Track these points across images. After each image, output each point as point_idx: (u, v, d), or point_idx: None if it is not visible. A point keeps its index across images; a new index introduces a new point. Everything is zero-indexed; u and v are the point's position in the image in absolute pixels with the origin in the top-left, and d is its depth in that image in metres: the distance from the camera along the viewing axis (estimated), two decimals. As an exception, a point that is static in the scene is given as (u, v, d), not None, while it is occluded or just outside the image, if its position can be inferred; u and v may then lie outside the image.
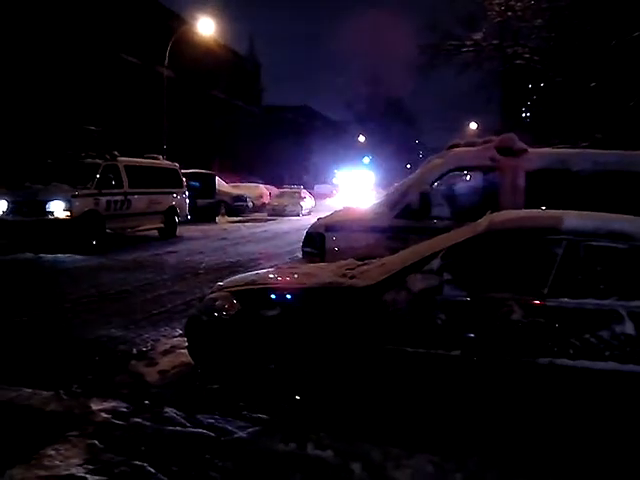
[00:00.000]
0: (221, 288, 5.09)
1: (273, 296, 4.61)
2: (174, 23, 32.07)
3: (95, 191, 14.40)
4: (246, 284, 4.97)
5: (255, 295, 4.71)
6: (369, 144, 72.16)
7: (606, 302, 3.98)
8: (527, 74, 19.43)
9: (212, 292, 5.13)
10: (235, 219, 26.77)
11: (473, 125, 49.19)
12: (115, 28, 31.08)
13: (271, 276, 5.29)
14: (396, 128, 76.38)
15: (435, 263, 4.32)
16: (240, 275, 5.77)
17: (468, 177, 8.11)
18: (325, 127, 70.15)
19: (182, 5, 69.90)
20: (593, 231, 4.29)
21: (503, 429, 4.09)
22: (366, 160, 70.45)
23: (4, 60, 23.42)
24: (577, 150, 7.77)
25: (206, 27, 28.23)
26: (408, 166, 73.13)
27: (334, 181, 53.52)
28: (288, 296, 4.59)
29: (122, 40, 32.05)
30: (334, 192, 47.13)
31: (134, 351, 6.04)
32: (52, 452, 3.85)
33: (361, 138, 71.33)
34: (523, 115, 24.03)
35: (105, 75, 30.19)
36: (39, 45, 25.35)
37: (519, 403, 4.01)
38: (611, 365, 3.84)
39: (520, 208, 6.66)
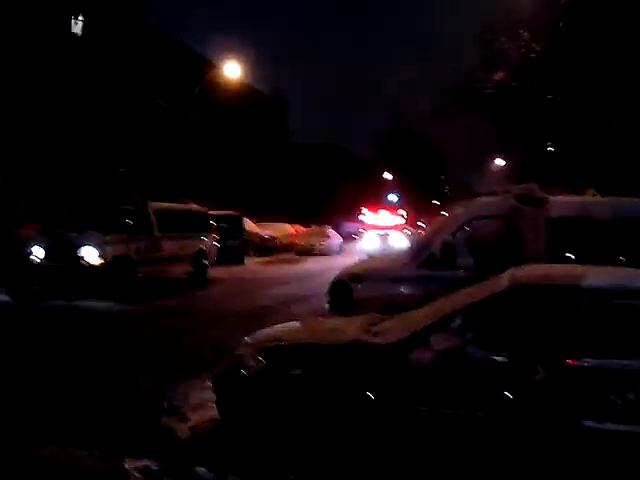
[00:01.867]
0: (247, 344, 5.22)
1: (298, 354, 4.73)
2: (204, 67, 32.95)
3: (126, 236, 14.72)
4: (272, 340, 5.08)
5: (280, 352, 4.82)
6: (395, 181, 72.26)
7: (633, 362, 3.98)
8: (549, 113, 19.49)
9: (239, 348, 5.26)
10: (263, 259, 27.00)
11: (499, 161, 48.88)
12: (149, 74, 32.04)
13: (296, 332, 5.41)
14: (421, 165, 76.49)
15: (457, 321, 4.40)
16: (266, 329, 5.82)
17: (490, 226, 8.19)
18: (352, 165, 70.56)
19: (214, 47, 71.68)
20: (617, 288, 4.30)
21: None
22: (393, 197, 70.45)
23: (45, 107, 24.27)
24: (597, 198, 7.85)
25: (233, 71, 29.17)
26: (435, 202, 73.02)
27: (361, 218, 53.48)
28: (312, 354, 4.70)
29: (155, 85, 32.98)
30: (362, 230, 47.12)
31: (165, 405, 6.12)
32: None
33: (387, 175, 71.52)
34: (548, 152, 24.08)
35: (138, 120, 31.02)
36: (78, 93, 26.29)
37: (544, 465, 4.03)
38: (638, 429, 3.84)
39: (542, 256, 6.74)
